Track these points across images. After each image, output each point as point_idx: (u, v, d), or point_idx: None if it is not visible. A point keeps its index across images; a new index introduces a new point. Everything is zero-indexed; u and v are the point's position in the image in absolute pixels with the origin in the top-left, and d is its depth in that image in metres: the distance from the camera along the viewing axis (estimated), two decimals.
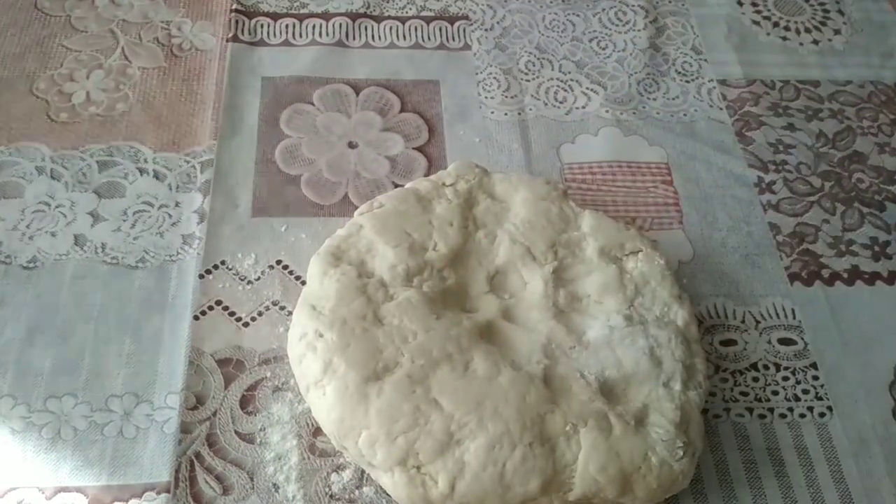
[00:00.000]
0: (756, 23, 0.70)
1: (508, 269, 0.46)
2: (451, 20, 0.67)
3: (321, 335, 0.42)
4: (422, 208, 0.48)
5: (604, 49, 0.67)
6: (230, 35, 0.63)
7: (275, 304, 0.49)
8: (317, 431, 0.44)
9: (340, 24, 0.65)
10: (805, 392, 0.48)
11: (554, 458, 0.39)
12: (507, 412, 0.40)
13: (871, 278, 0.54)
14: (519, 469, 0.39)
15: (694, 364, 0.44)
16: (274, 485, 0.43)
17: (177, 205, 0.53)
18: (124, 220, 0.52)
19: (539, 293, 0.45)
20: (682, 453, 0.40)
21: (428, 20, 0.67)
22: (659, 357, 0.43)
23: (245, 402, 0.45)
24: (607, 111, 0.62)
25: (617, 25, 0.68)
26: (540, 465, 0.39)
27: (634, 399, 0.42)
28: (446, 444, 0.39)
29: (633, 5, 0.70)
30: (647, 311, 0.45)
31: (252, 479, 0.43)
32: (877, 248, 0.56)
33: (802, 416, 0.47)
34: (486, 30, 0.67)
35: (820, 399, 0.48)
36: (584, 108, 0.62)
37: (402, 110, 0.61)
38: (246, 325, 0.48)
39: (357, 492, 0.43)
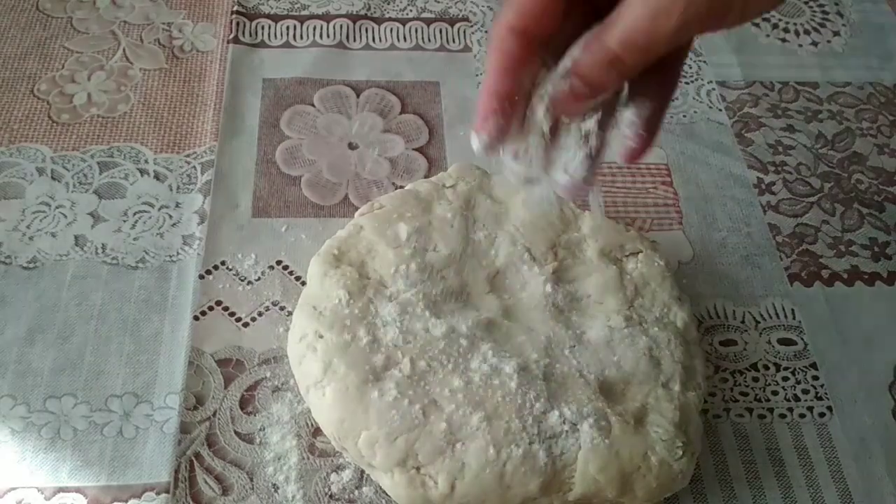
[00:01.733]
0: (755, 24, 0.70)
1: (508, 269, 0.46)
2: (452, 22, 0.67)
3: (321, 336, 0.42)
4: (422, 209, 0.48)
5: None
6: (231, 36, 0.63)
7: (275, 304, 0.49)
8: (316, 431, 0.44)
9: (341, 26, 0.66)
10: (805, 392, 0.48)
11: (553, 457, 0.39)
12: (506, 412, 0.40)
13: (871, 279, 0.54)
14: (519, 469, 0.39)
15: (693, 365, 0.44)
16: (273, 485, 0.42)
17: (177, 205, 0.53)
18: (125, 221, 0.52)
19: (539, 293, 0.45)
20: (681, 453, 0.40)
21: (428, 22, 0.67)
22: (658, 358, 0.43)
23: (245, 403, 0.45)
24: None
25: None
26: (540, 466, 0.39)
27: (633, 399, 0.42)
28: (446, 445, 0.39)
29: None
30: (646, 312, 0.45)
31: (252, 480, 0.43)
32: (876, 249, 0.56)
33: (802, 416, 0.47)
34: (486, 31, 0.67)
35: (820, 399, 0.48)
36: None
37: (403, 111, 0.61)
38: (246, 325, 0.48)
39: (357, 492, 0.43)
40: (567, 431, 0.40)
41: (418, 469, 0.39)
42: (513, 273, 0.46)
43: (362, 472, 0.43)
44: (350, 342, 0.42)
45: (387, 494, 0.42)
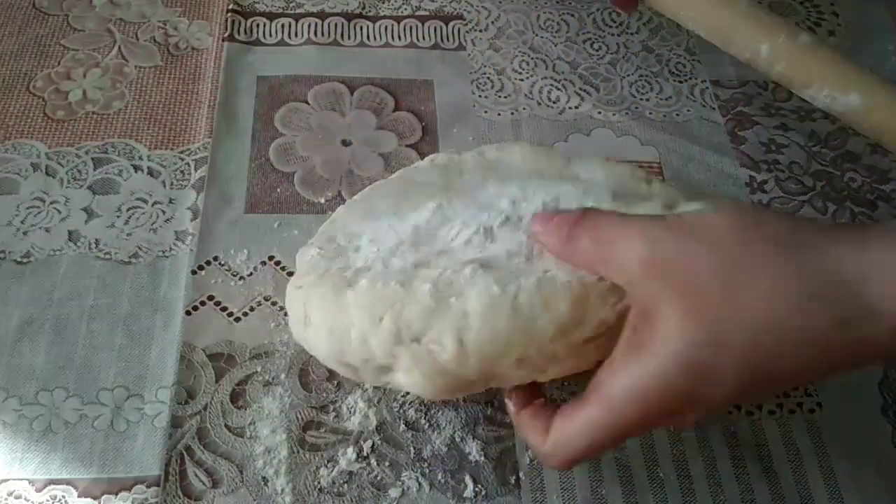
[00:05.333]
0: None
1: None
2: (446, 20, 0.68)
3: (299, 287, 0.40)
4: (403, 183, 0.46)
5: (597, 50, 0.67)
6: (226, 34, 0.64)
7: (266, 299, 0.49)
8: (306, 426, 0.44)
9: (336, 24, 0.66)
10: (794, 388, 0.48)
11: (576, 273, 0.33)
12: (504, 259, 0.35)
13: None
14: (536, 296, 0.32)
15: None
16: (263, 478, 0.43)
17: (171, 201, 0.54)
18: (118, 217, 0.53)
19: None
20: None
21: (423, 20, 0.67)
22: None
23: (235, 397, 0.46)
24: (600, 112, 0.62)
25: (611, 27, 0.69)
26: (563, 283, 0.32)
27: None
28: (435, 304, 0.34)
29: None
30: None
31: (241, 473, 0.43)
32: None
33: (792, 412, 0.47)
34: (480, 30, 0.67)
35: (809, 395, 0.48)
36: (576, 108, 0.62)
37: (397, 109, 0.61)
38: (238, 320, 0.49)
39: (345, 486, 0.43)
40: None
41: (418, 340, 0.34)
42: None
43: (353, 469, 0.43)
44: (325, 272, 0.39)
45: (376, 489, 0.42)
